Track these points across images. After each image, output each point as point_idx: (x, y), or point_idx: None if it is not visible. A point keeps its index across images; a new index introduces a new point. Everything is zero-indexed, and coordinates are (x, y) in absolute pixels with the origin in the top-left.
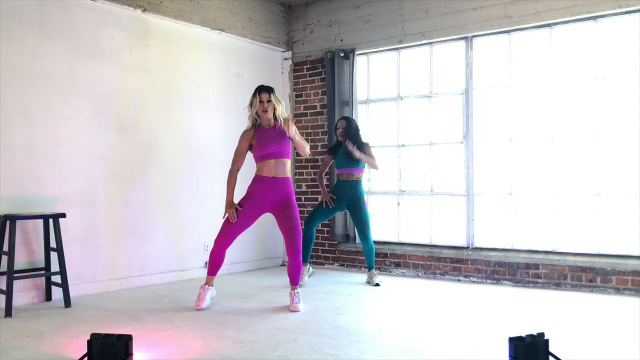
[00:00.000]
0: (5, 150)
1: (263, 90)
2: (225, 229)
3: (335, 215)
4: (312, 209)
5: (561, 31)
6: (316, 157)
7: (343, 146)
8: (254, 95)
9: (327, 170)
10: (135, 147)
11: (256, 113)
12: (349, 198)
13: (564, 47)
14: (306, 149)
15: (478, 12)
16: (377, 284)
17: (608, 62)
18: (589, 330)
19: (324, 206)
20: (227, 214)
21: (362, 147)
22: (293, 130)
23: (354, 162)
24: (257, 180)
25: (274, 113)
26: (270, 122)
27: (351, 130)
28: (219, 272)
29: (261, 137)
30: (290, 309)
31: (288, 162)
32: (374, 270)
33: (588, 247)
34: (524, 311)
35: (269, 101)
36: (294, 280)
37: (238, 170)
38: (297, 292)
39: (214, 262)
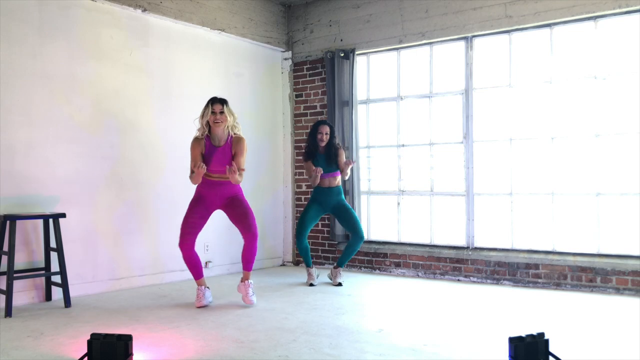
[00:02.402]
0: (5, 150)
1: (216, 102)
2: (182, 231)
3: (319, 219)
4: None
5: (561, 31)
6: None
7: (318, 150)
8: (206, 106)
9: None
10: (135, 147)
11: (207, 124)
12: (335, 203)
13: (564, 47)
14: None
15: (478, 12)
16: (340, 284)
17: (608, 62)
18: (589, 330)
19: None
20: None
21: (337, 150)
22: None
23: (334, 167)
24: (203, 182)
25: (227, 126)
26: (220, 140)
27: (333, 137)
28: (219, 272)
29: (208, 155)
30: (244, 300)
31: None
32: (341, 269)
33: (588, 247)
34: (524, 311)
35: (222, 112)
36: (247, 265)
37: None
38: (251, 283)
39: (191, 265)
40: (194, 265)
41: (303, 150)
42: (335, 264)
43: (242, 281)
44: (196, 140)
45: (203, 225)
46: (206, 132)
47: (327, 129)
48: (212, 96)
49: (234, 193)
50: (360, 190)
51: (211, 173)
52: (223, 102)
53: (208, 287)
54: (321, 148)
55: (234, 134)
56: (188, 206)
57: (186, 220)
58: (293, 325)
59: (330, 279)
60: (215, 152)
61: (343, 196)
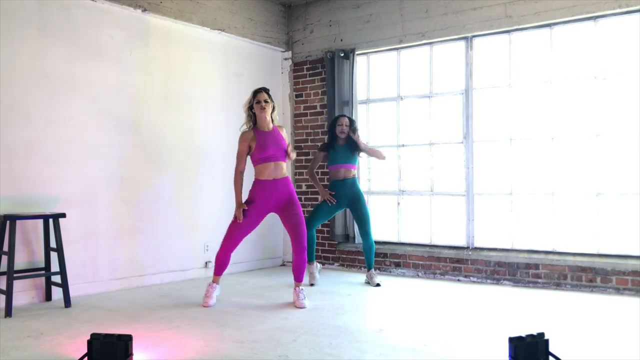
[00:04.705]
0: (5, 150)
1: (260, 91)
2: (231, 232)
3: (335, 215)
4: (312, 208)
5: (561, 31)
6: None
7: (337, 142)
8: (252, 97)
9: (317, 167)
10: (135, 147)
11: (253, 114)
12: (350, 195)
13: (564, 47)
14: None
15: (478, 12)
16: (378, 284)
17: (608, 62)
18: (589, 330)
19: (329, 204)
20: (235, 215)
21: (358, 145)
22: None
23: (353, 158)
24: (258, 185)
25: (271, 114)
26: (268, 125)
27: (353, 130)
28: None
29: (261, 140)
30: (296, 304)
31: (284, 165)
32: (373, 270)
33: (588, 247)
34: (524, 311)
35: (266, 101)
36: (298, 277)
37: (242, 172)
38: (302, 289)
39: (221, 264)
40: (223, 264)
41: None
42: (366, 269)
43: (295, 288)
44: (245, 134)
45: (251, 230)
46: (251, 124)
47: (346, 120)
48: (254, 89)
49: (288, 193)
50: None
51: (267, 160)
52: (266, 90)
53: (218, 284)
54: (341, 140)
55: (277, 125)
56: None
57: (234, 224)
58: (293, 325)
59: (368, 282)
60: (267, 137)
61: (360, 189)
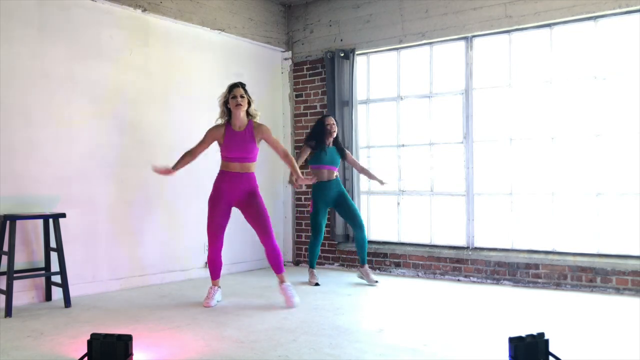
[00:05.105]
0: (5, 150)
1: (236, 86)
2: (211, 234)
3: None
4: (312, 208)
5: (561, 31)
6: None
7: (326, 143)
8: (227, 91)
9: (303, 160)
10: (135, 147)
11: (227, 110)
12: (336, 195)
13: (564, 47)
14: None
15: (478, 12)
16: (376, 282)
17: (608, 62)
18: (589, 330)
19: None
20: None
21: (344, 151)
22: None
23: (338, 161)
24: (221, 174)
25: (247, 111)
26: (241, 126)
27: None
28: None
29: (229, 140)
30: (287, 304)
31: (252, 165)
32: (367, 266)
33: (588, 247)
34: (524, 311)
35: (242, 96)
36: (278, 268)
37: (193, 154)
38: (288, 285)
39: (214, 267)
40: (216, 267)
41: (307, 138)
42: (360, 265)
43: (280, 285)
44: (216, 127)
45: (227, 223)
46: (227, 118)
47: (333, 119)
48: (230, 83)
49: (251, 188)
50: (360, 190)
51: (232, 160)
52: (243, 86)
53: (219, 287)
54: (330, 141)
55: (255, 121)
56: (209, 206)
57: (211, 222)
58: (293, 325)
59: (362, 279)
60: (235, 137)
61: (342, 186)
